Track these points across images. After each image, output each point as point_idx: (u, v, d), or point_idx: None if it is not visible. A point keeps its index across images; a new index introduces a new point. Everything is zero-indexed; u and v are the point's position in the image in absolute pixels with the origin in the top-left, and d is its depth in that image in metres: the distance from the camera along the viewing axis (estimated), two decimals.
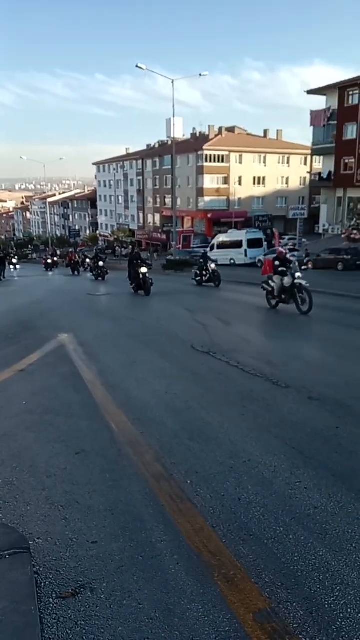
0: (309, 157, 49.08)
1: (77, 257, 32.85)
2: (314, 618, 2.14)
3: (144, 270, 16.22)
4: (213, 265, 19.16)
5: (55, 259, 41.86)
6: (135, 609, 2.21)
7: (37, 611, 2.11)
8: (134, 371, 6.45)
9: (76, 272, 30.68)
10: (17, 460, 3.75)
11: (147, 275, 16.26)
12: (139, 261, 16.76)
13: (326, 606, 2.21)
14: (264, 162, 59.31)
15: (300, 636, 2.04)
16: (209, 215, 55.11)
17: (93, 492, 3.26)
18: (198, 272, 19.69)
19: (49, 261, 39.63)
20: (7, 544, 2.52)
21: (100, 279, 23.31)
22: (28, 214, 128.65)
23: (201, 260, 19.87)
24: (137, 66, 32.27)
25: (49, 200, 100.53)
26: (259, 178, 59.17)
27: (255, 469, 3.57)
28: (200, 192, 56.66)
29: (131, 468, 3.59)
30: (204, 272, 19.29)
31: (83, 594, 2.30)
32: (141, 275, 16.17)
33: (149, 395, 5.35)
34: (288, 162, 60.65)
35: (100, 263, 23.74)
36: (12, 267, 38.06)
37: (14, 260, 40.14)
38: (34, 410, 4.90)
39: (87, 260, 32.84)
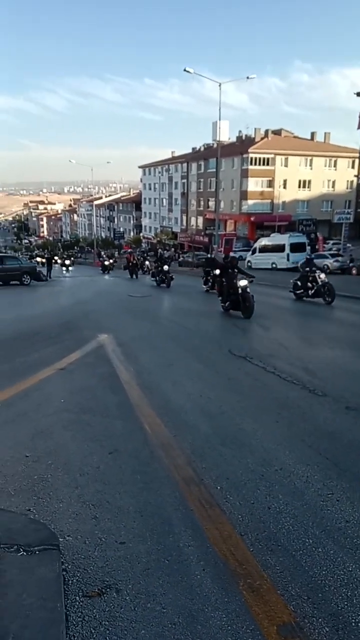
0: (356, 160, 47.85)
1: (136, 259, 30.14)
2: (340, 636, 2.09)
3: (243, 283, 11.94)
4: (323, 276, 14.34)
5: (112, 260, 39.68)
6: (159, 613, 2.23)
7: (63, 608, 2.16)
8: (171, 374, 6.49)
9: (134, 276, 27.80)
10: (52, 457, 3.85)
11: (249, 289, 11.91)
12: (235, 270, 12.51)
13: (353, 624, 2.16)
14: (310, 165, 58.36)
15: None
16: (252, 219, 54.70)
17: (124, 493, 3.30)
18: (300, 282, 14.99)
19: (106, 263, 37.28)
20: (38, 540, 2.59)
21: (164, 285, 20.56)
22: (75, 216, 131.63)
23: (307, 269, 14.76)
24: (185, 70, 32.45)
25: (96, 202, 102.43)
26: (304, 181, 58.27)
27: (287, 478, 3.52)
28: (244, 195, 56.33)
29: (162, 471, 3.62)
30: (310, 284, 14.51)
31: (109, 594, 2.34)
32: (240, 290, 11.86)
33: (183, 399, 5.36)
34: (335, 165, 59.46)
35: (165, 267, 21.03)
36: (64, 269, 38.95)
37: (67, 262, 40.62)
38: (71, 408, 5.01)
39: (147, 262, 31.73)
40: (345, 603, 2.29)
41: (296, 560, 2.61)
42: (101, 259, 45.15)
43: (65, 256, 46.68)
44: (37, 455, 3.86)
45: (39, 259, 37.45)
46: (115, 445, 4.09)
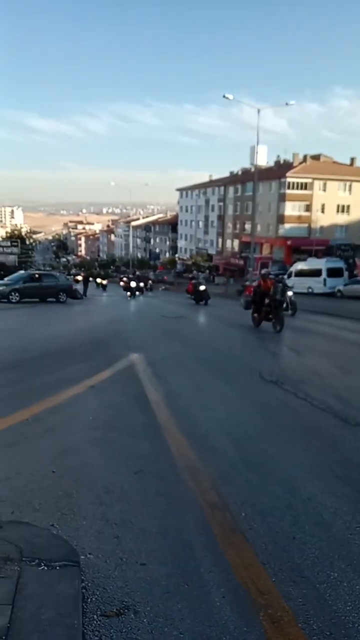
0: None
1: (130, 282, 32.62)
2: None
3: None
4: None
5: (142, 284, 35.78)
6: (176, 637, 2.20)
7: (80, 626, 2.16)
8: (199, 396, 6.47)
9: (133, 295, 30.92)
10: (78, 473, 3.88)
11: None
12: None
13: None
14: (349, 190, 58.00)
15: None
16: (289, 242, 54.53)
17: (147, 514, 3.29)
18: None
19: (132, 284, 32.05)
20: (59, 555, 2.61)
21: (202, 302, 22.48)
22: (112, 236, 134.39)
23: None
24: (224, 96, 33.10)
25: (133, 223, 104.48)
26: (343, 206, 57.87)
27: (314, 509, 3.44)
28: (280, 219, 56.32)
29: (187, 494, 3.59)
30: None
31: (127, 615, 2.33)
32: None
33: (211, 422, 5.33)
34: None
35: (202, 287, 22.69)
36: (100, 287, 40.32)
37: (104, 282, 41.60)
38: (99, 426, 5.06)
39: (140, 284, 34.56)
40: None
41: (320, 593, 2.54)
42: (121, 277, 41.58)
43: (102, 275, 47.60)
44: (63, 471, 3.91)
45: (78, 278, 38.26)
46: (141, 465, 4.09)
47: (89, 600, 2.41)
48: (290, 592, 2.53)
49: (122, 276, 41.24)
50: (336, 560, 2.83)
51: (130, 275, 35.83)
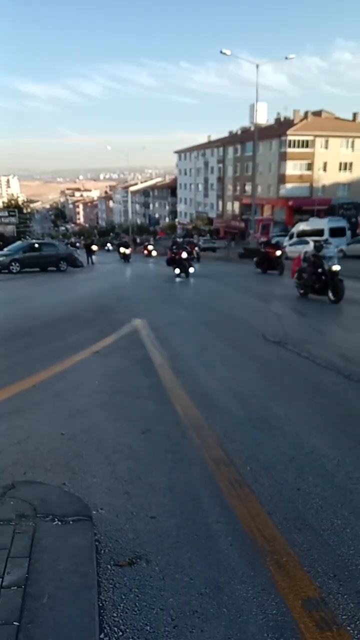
0: None
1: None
2: None
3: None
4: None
5: (150, 247, 39.65)
6: (187, 583, 2.30)
7: (95, 574, 2.26)
8: (203, 358, 6.54)
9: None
10: (87, 435, 3.97)
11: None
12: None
13: None
14: (352, 146, 56.70)
15: (349, 628, 2.03)
16: (290, 203, 53.72)
17: (155, 470, 3.39)
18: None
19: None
20: (72, 511, 2.71)
21: (183, 275, 18.66)
22: (111, 203, 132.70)
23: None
24: (221, 52, 32.06)
25: (131, 189, 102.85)
26: (345, 164, 56.70)
27: (317, 461, 3.53)
28: (281, 179, 55.32)
29: (193, 451, 3.68)
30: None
31: (139, 564, 2.43)
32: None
33: (216, 382, 5.41)
34: None
35: (184, 255, 18.80)
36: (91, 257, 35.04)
37: (94, 248, 36.97)
38: (105, 390, 5.14)
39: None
40: None
41: (324, 539, 2.64)
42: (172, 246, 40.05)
43: (92, 242, 44.35)
44: (72, 433, 4.00)
45: (94, 247, 36.23)
46: (148, 425, 4.18)
47: (102, 551, 2.52)
48: (295, 539, 2.63)
49: (169, 245, 27.54)
50: (339, 508, 2.93)
51: (178, 242, 23.49)
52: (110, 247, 54.16)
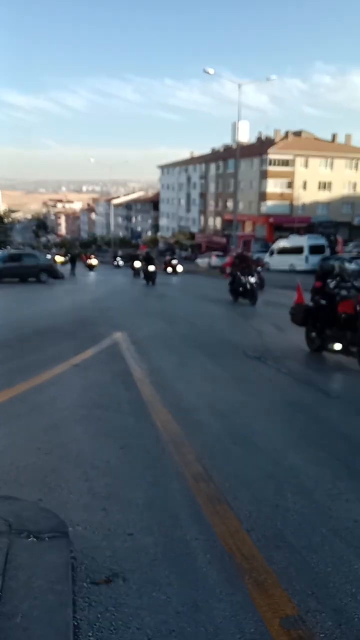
0: None
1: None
2: (342, 630, 2.11)
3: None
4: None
5: (175, 262, 31.56)
6: (164, 601, 2.27)
7: (70, 593, 2.21)
8: (183, 372, 6.53)
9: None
10: (64, 449, 3.91)
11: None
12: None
13: (356, 619, 2.17)
14: (331, 166, 58.01)
15: None
16: (271, 220, 54.50)
17: (133, 487, 3.35)
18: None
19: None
20: (48, 527, 2.65)
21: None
22: (93, 215, 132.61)
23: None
24: (204, 71, 32.59)
25: (113, 202, 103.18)
26: (324, 183, 57.92)
27: (296, 478, 3.54)
28: (262, 196, 56.18)
29: (172, 466, 3.66)
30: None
31: (115, 582, 2.38)
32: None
33: (195, 397, 5.40)
34: (356, 167, 59.04)
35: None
36: (89, 269, 34.93)
37: (94, 262, 36.31)
38: (84, 404, 5.09)
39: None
40: (349, 599, 2.30)
41: (302, 557, 2.63)
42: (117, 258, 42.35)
43: (91, 255, 40.97)
44: (49, 448, 3.93)
45: (58, 258, 35.98)
46: (127, 440, 4.14)
47: (79, 569, 2.46)
48: (273, 556, 2.62)
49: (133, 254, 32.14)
50: (318, 525, 2.93)
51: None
52: (121, 263, 42.62)
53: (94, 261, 37.38)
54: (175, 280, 27.37)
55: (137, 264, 27.61)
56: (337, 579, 2.45)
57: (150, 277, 22.12)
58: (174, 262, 31.39)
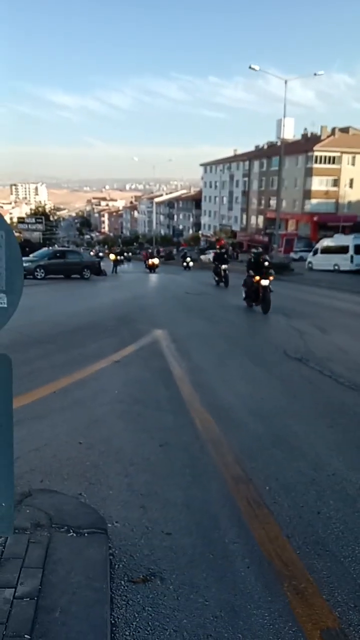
0: None
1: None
2: None
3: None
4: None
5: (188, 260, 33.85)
6: (202, 604, 2.25)
7: (108, 590, 2.22)
8: (223, 372, 6.48)
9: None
10: (105, 445, 3.95)
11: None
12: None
13: None
14: None
15: None
16: (315, 219, 53.40)
17: (172, 485, 3.34)
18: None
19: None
20: (87, 523, 2.68)
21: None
22: (136, 213, 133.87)
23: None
24: (250, 67, 32.20)
25: (156, 200, 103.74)
26: None
27: (339, 484, 3.43)
28: (307, 194, 55.10)
29: (211, 466, 3.63)
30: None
31: (153, 582, 2.38)
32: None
33: (234, 398, 5.34)
34: None
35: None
36: (152, 271, 31.37)
37: (156, 261, 32.08)
38: (125, 400, 5.12)
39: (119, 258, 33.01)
40: None
41: (344, 567, 2.55)
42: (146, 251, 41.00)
43: (153, 253, 38.65)
44: (90, 443, 3.98)
45: (112, 256, 34.61)
46: (166, 438, 4.14)
47: (117, 566, 2.47)
48: (314, 564, 2.55)
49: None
50: None
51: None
52: (192, 264, 34.64)
53: (155, 260, 32.55)
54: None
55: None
56: None
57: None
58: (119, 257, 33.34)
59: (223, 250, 20.81)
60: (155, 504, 3.09)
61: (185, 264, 34.30)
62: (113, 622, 2.10)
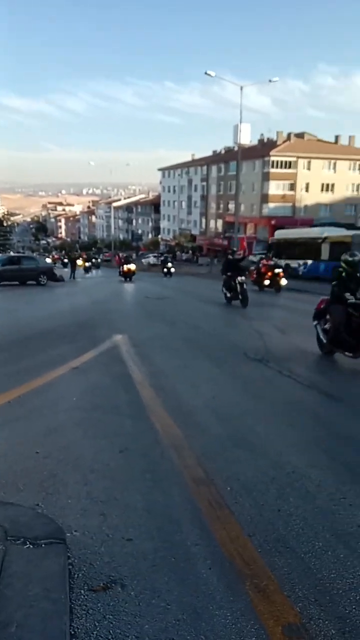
0: None
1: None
2: (346, 638, 2.05)
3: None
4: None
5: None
6: (163, 609, 2.22)
7: (67, 600, 2.16)
8: (184, 375, 6.48)
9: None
10: (63, 453, 3.86)
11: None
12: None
13: None
14: (334, 168, 57.89)
15: None
16: (273, 222, 54.39)
17: (133, 491, 3.30)
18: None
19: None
20: (44, 533, 2.60)
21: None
22: (93, 218, 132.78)
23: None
24: (205, 73, 32.60)
25: (114, 204, 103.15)
26: (327, 185, 57.81)
27: (298, 482, 3.48)
28: (264, 198, 56.13)
29: (172, 470, 3.61)
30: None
31: (114, 589, 2.33)
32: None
33: (196, 400, 5.34)
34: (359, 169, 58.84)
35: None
36: (87, 272, 34.07)
37: (132, 267, 27.47)
38: (84, 406, 5.03)
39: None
40: (354, 607, 2.24)
41: (305, 562, 2.57)
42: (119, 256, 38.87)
43: (85, 257, 41.09)
44: (48, 451, 3.88)
45: (80, 262, 34.13)
46: (126, 443, 4.09)
47: (76, 576, 2.41)
48: (275, 562, 2.57)
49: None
50: (320, 530, 2.88)
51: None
52: (173, 270, 32.01)
53: (132, 266, 27.84)
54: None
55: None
56: (341, 585, 2.40)
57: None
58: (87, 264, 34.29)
59: (238, 256, 15.46)
60: (115, 510, 3.04)
61: (165, 270, 31.56)
62: (73, 632, 2.04)
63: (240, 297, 14.09)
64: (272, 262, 20.82)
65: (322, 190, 57.60)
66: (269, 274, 19.72)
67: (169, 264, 32.03)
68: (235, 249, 18.56)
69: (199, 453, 3.91)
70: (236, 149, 41.53)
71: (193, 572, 2.48)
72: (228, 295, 14.86)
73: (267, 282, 19.72)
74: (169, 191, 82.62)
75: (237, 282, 14.13)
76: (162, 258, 35.39)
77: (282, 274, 19.83)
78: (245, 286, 14.21)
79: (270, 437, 4.32)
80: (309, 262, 26.35)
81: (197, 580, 2.42)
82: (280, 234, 32.92)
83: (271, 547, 2.70)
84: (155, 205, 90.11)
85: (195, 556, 2.61)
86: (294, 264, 27.40)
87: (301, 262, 27.07)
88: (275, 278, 19.59)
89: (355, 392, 5.98)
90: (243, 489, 3.35)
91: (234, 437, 4.31)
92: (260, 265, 20.46)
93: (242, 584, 2.38)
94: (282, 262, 25.91)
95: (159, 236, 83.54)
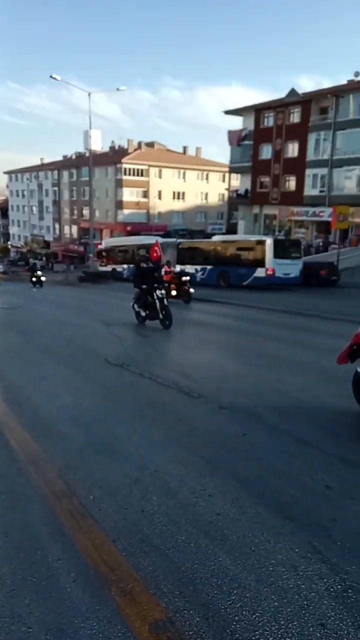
0: (227, 175, 50.74)
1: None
2: (210, 623, 2.14)
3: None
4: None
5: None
6: (24, 633, 2.09)
7: None
8: (43, 386, 6.22)
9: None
10: None
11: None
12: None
13: (222, 611, 2.22)
14: (184, 177, 60.60)
15: None
16: (129, 228, 55.16)
17: None
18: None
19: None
20: None
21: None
22: None
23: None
24: (51, 77, 31.90)
25: None
26: (178, 193, 60.31)
27: (161, 480, 3.55)
28: (119, 204, 56.66)
29: (30, 487, 3.43)
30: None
31: None
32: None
33: (56, 411, 5.17)
34: (207, 179, 62.42)
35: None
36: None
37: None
38: None
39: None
40: (216, 592, 2.35)
41: (169, 558, 2.63)
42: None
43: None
44: None
45: None
46: None
47: None
48: (140, 563, 2.58)
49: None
50: (183, 524, 2.96)
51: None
52: (44, 279, 28.27)
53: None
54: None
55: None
56: (203, 574, 2.49)
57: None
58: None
59: (148, 265, 11.98)
60: None
61: (34, 278, 27.03)
62: None
63: (160, 315, 11.19)
64: (177, 270, 18.52)
65: (174, 198, 59.99)
66: (176, 282, 16.78)
67: (39, 272, 27.52)
68: (146, 255, 13.27)
69: (60, 465, 3.78)
70: (87, 154, 41.30)
71: (56, 588, 2.38)
72: (142, 314, 11.79)
73: (174, 292, 16.33)
74: (17, 195, 79.01)
75: (155, 296, 11.27)
76: (30, 264, 30.62)
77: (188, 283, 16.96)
78: (166, 302, 11.40)
79: (132, 440, 4.34)
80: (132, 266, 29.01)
81: (60, 595, 2.33)
82: (108, 241, 36.65)
83: (135, 549, 2.71)
84: (2, 210, 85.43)
85: (57, 571, 2.51)
86: (119, 268, 31.87)
87: (125, 266, 30.87)
88: (182, 287, 16.79)
89: (214, 388, 6.29)
90: (106, 495, 3.32)
91: (96, 444, 4.25)
92: (163, 272, 13.60)
93: (107, 591, 2.35)
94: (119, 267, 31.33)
95: (9, 242, 79.36)
